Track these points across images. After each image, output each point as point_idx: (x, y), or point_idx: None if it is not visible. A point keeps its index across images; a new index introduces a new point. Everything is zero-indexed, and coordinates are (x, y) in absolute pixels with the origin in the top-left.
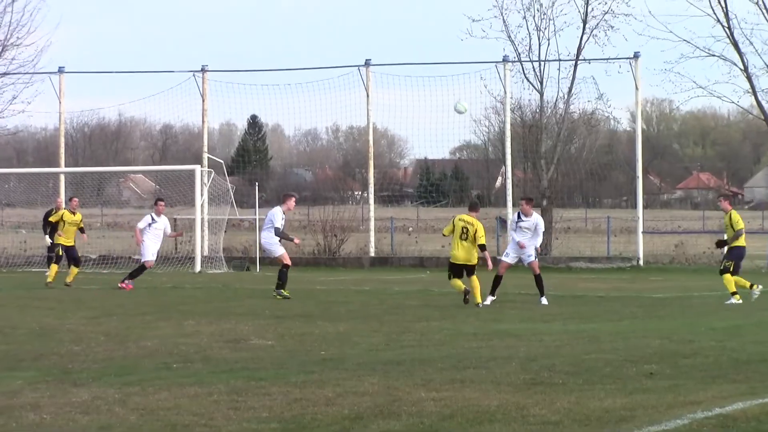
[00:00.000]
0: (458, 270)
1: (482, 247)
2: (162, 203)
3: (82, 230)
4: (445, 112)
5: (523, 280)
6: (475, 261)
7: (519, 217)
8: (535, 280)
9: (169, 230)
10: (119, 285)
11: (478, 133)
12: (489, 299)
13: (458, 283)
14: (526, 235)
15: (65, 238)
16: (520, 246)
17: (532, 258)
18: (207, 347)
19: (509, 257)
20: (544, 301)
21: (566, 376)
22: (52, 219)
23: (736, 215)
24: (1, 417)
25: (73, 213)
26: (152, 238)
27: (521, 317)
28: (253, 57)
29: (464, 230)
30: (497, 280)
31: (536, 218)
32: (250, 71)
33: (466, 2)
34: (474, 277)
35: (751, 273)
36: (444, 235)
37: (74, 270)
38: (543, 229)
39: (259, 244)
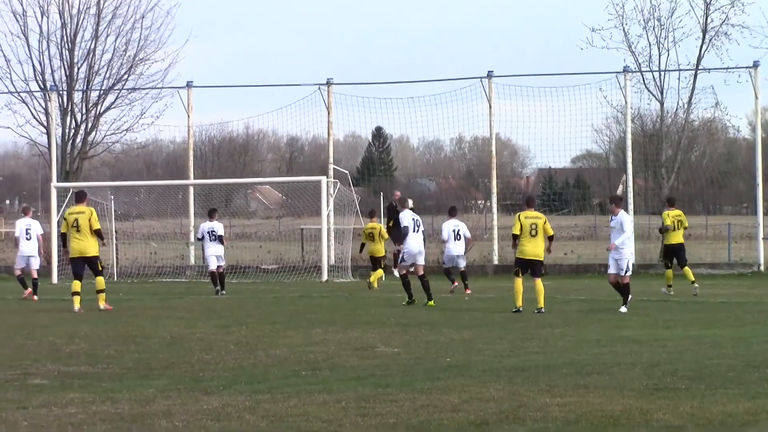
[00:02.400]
0: (525, 266)
1: (551, 238)
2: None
3: None
4: (565, 122)
5: (644, 287)
6: (542, 256)
7: (611, 218)
8: (622, 288)
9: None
10: None
11: (599, 142)
12: (623, 309)
13: (520, 283)
14: (616, 236)
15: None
16: (608, 249)
17: (627, 272)
18: (335, 355)
19: (612, 268)
20: (623, 309)
21: (689, 381)
22: None
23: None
24: (134, 424)
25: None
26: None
27: (643, 323)
28: (377, 70)
29: (533, 226)
30: (620, 290)
31: (621, 216)
32: (375, 83)
33: (585, 12)
34: (539, 282)
35: None
36: (515, 235)
37: None
38: (631, 228)
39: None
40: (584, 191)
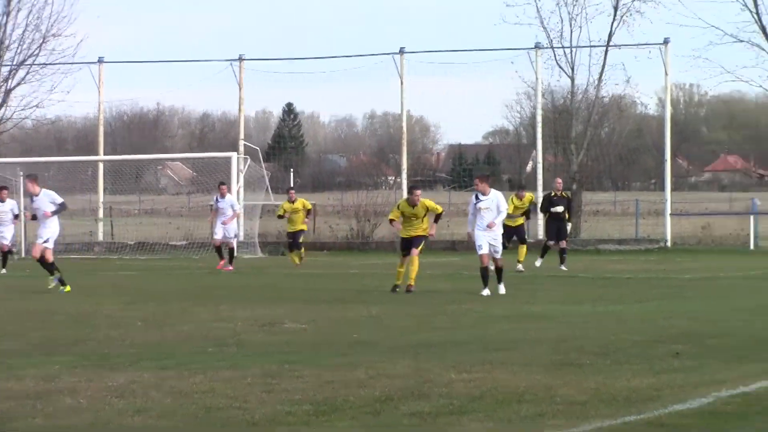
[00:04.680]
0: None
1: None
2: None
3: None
4: (477, 98)
5: (549, 263)
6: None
7: (477, 198)
8: (498, 269)
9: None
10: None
11: (510, 118)
12: (493, 290)
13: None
14: (490, 215)
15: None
16: (489, 226)
17: (499, 255)
18: (242, 331)
19: (485, 248)
20: (502, 289)
21: (594, 357)
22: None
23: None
24: (38, 401)
25: (292, 202)
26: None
27: (551, 299)
28: (289, 46)
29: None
30: (495, 271)
31: (496, 195)
32: (287, 59)
33: None
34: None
35: None
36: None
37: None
38: (506, 207)
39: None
40: (494, 167)
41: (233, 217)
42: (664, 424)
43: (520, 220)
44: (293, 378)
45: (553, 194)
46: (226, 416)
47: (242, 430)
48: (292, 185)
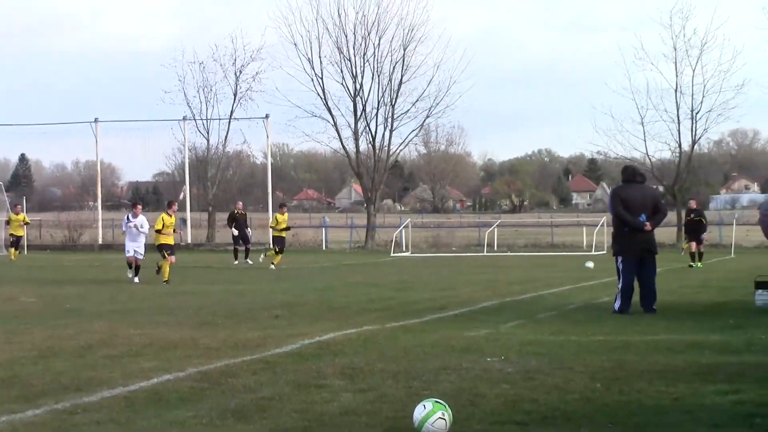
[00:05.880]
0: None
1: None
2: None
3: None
4: (148, 150)
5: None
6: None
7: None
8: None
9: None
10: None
11: (168, 164)
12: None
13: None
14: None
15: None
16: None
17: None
18: None
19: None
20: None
21: (223, 318)
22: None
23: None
24: None
25: (17, 214)
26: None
27: (195, 281)
28: (19, 109)
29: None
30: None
31: (142, 217)
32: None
33: (158, 80)
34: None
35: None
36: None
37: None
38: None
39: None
40: (159, 196)
41: None
42: (268, 361)
43: None
44: (26, 334)
45: (236, 212)
46: None
47: None
48: (16, 204)
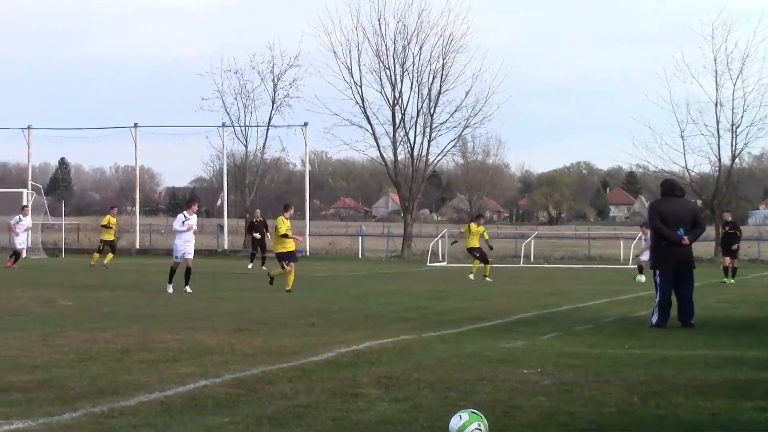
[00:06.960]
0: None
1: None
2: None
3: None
4: (186, 157)
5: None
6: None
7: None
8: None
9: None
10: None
11: (207, 171)
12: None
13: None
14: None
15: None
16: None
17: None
18: (28, 306)
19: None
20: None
21: (259, 325)
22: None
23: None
24: None
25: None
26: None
27: (231, 287)
28: (62, 115)
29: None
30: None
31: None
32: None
33: (197, 87)
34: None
35: None
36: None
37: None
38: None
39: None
40: (198, 201)
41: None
42: (304, 369)
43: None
44: (63, 337)
45: (254, 220)
46: (16, 362)
47: (28, 371)
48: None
